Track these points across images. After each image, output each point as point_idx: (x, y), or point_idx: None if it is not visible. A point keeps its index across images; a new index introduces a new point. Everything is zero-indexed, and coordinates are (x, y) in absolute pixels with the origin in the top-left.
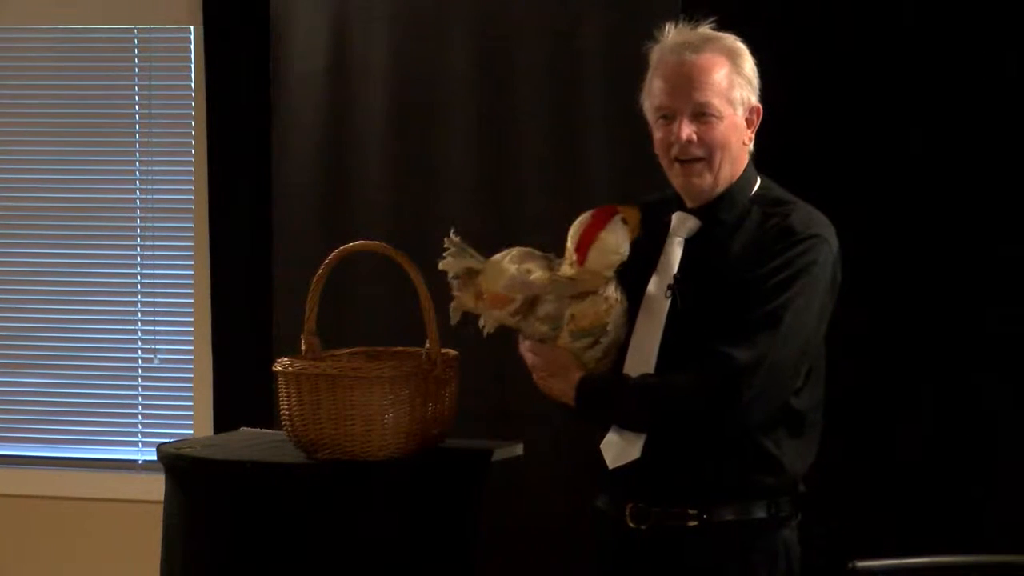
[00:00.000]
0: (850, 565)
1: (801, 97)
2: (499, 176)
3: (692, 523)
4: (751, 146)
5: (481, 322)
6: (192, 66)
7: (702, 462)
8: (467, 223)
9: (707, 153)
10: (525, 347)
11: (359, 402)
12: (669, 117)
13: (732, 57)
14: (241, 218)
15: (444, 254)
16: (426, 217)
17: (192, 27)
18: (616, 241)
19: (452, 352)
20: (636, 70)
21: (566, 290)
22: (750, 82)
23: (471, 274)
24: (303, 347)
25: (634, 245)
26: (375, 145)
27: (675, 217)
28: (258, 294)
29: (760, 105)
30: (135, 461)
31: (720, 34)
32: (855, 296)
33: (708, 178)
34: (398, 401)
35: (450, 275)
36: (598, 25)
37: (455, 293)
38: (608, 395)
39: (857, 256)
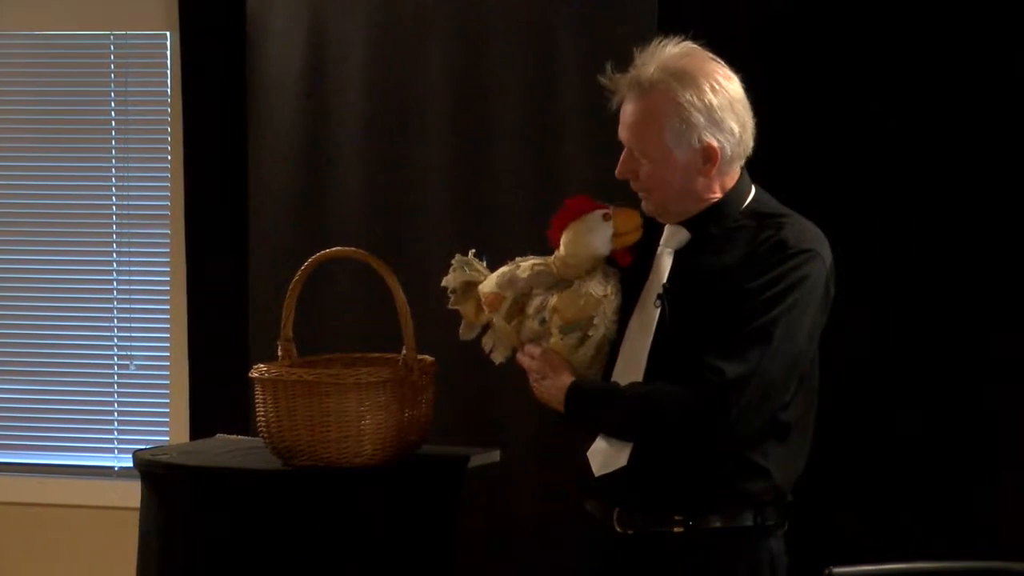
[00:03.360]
0: (827, 571)
1: (783, 107)
2: (476, 182)
3: (678, 529)
4: (738, 167)
5: (486, 342)
6: (168, 72)
7: (688, 469)
8: (444, 230)
9: (645, 190)
10: (523, 352)
11: (335, 408)
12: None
13: (674, 103)
14: (217, 224)
15: (451, 271)
16: (402, 223)
17: (168, 33)
18: (588, 235)
19: (429, 358)
20: None
21: (546, 279)
22: (696, 123)
23: (469, 287)
24: (279, 353)
25: (634, 249)
26: (352, 151)
27: (667, 228)
28: (234, 300)
29: (714, 142)
30: (111, 468)
31: (677, 68)
32: (845, 308)
33: (654, 207)
34: (375, 407)
35: (449, 289)
36: (574, 32)
37: (452, 306)
38: (597, 401)
39: (847, 265)
